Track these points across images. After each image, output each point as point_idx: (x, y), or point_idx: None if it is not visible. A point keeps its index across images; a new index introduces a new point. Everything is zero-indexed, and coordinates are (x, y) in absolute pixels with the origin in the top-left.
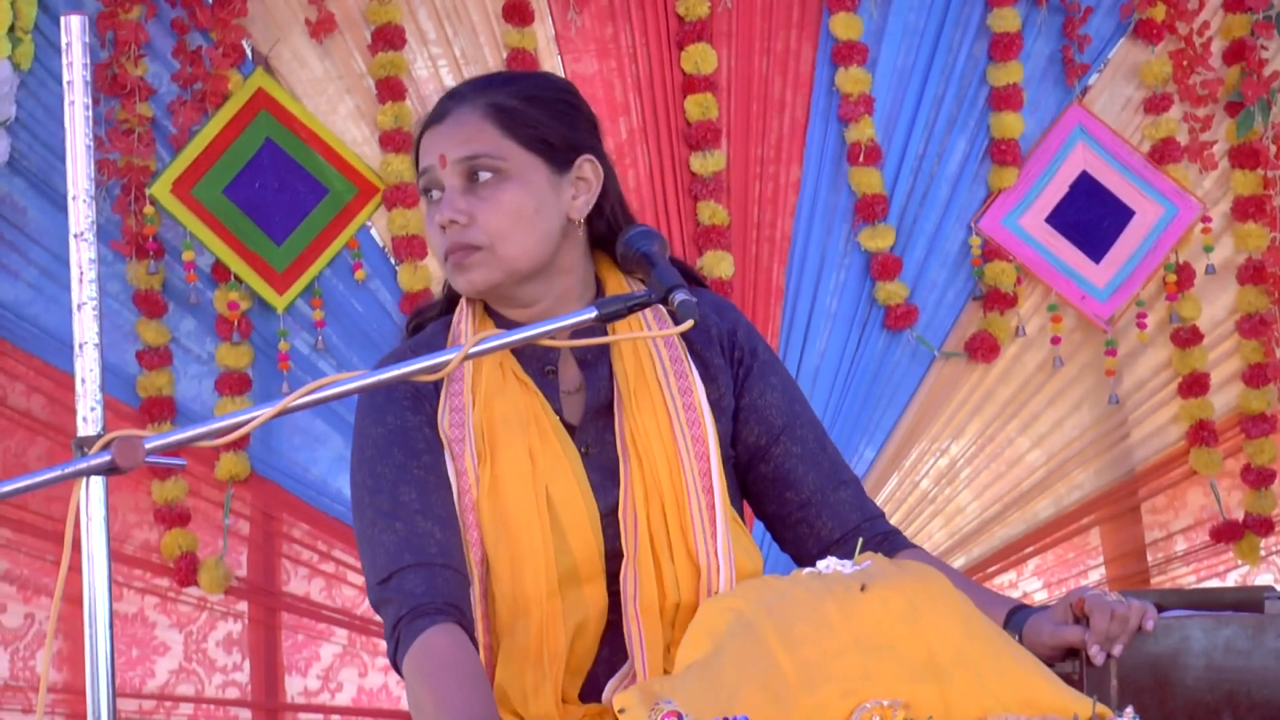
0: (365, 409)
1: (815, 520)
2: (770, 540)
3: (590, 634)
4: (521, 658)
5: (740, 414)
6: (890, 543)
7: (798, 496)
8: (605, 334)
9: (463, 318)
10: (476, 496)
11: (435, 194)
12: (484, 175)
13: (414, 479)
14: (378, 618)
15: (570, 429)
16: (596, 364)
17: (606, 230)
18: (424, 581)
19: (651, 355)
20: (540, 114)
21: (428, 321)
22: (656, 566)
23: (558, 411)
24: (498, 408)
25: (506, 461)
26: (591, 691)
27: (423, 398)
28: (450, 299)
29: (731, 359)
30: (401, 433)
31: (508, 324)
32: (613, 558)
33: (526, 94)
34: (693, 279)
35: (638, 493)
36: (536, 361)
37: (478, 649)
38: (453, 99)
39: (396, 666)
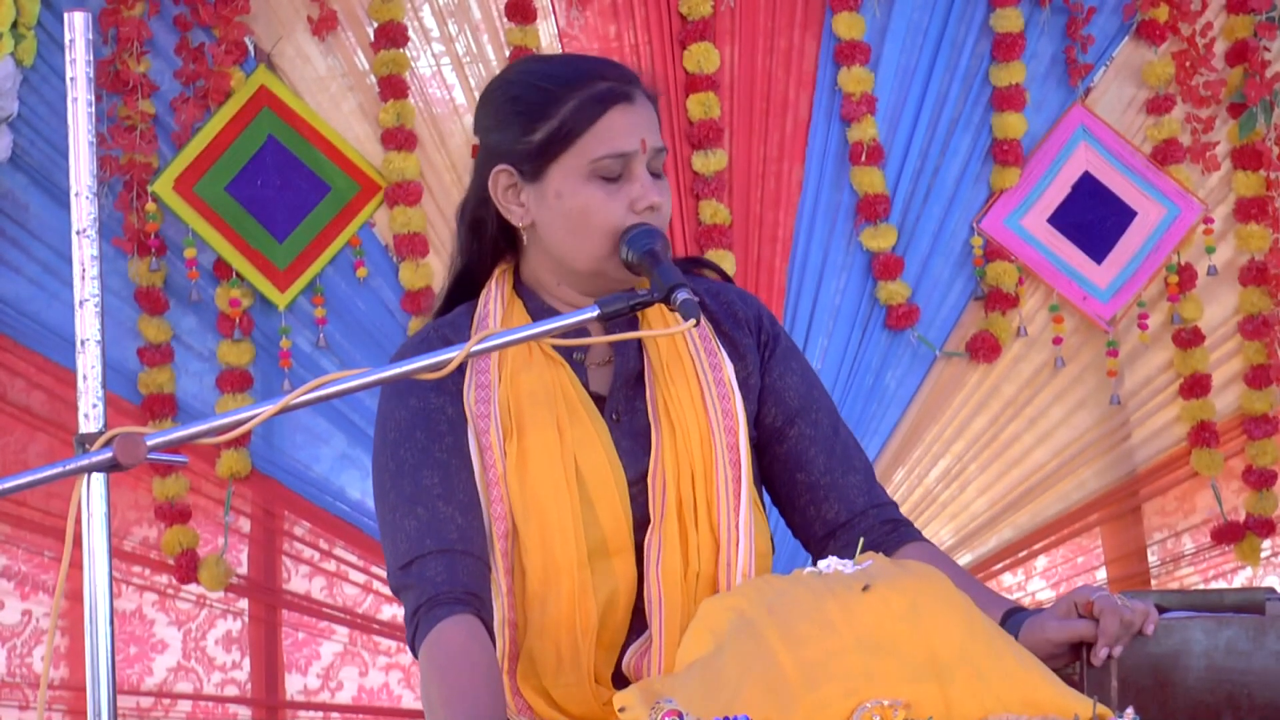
0: (388, 390)
1: (822, 503)
2: (780, 532)
3: (620, 607)
4: (555, 628)
5: (761, 394)
6: (898, 533)
7: (807, 478)
8: (602, 328)
9: (490, 299)
10: (503, 470)
11: (615, 170)
12: (659, 168)
13: (436, 462)
14: (379, 616)
15: (599, 400)
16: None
17: None
18: (444, 569)
19: (683, 332)
20: None
21: (456, 302)
22: (682, 533)
23: (585, 384)
24: (524, 383)
25: (534, 436)
26: (623, 674)
27: (446, 376)
28: (476, 283)
29: (759, 341)
30: (424, 415)
31: (541, 308)
32: (641, 528)
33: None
34: (718, 273)
35: (668, 460)
36: (565, 335)
37: (494, 639)
38: (630, 82)
39: (415, 652)
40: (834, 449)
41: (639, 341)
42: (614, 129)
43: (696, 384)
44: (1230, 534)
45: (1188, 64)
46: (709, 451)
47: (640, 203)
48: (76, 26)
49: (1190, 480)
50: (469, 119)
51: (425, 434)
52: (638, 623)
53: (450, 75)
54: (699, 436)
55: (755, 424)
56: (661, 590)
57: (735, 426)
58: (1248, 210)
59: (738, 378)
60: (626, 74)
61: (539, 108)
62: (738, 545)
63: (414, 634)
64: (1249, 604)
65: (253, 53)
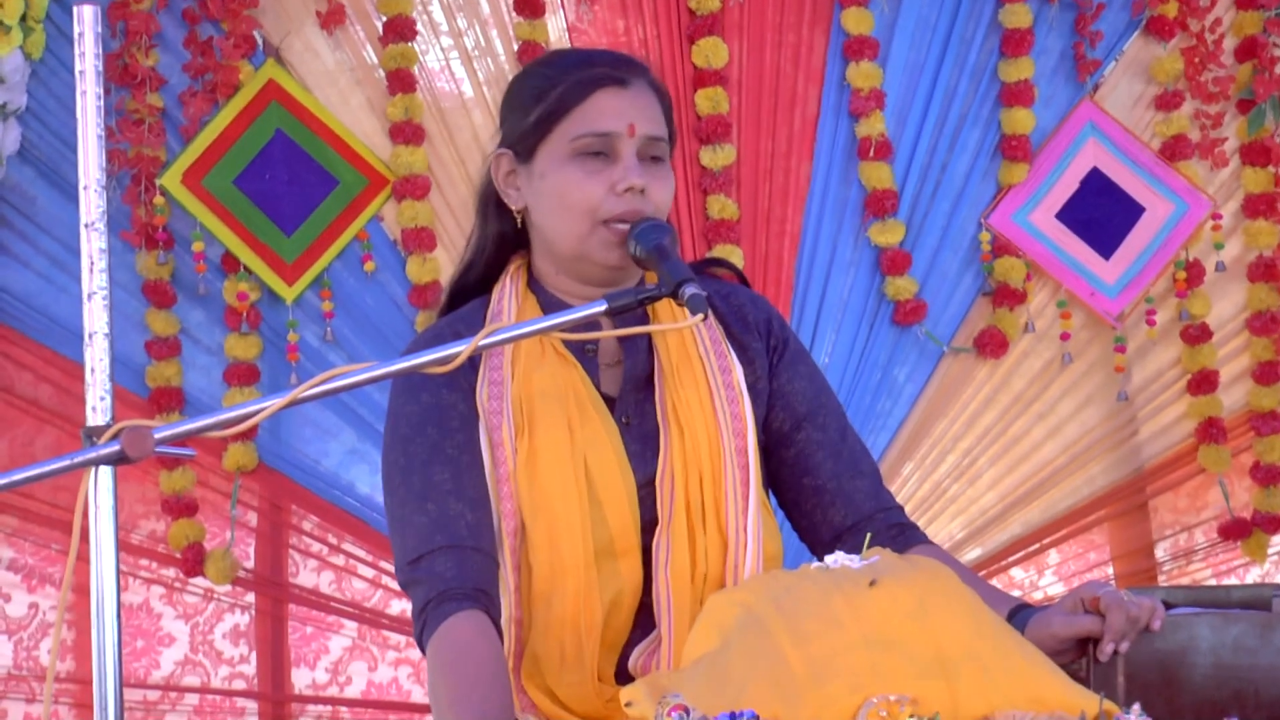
0: (400, 385)
1: (829, 507)
2: (785, 535)
3: (625, 608)
4: (559, 627)
5: (769, 398)
6: (905, 536)
7: (814, 482)
8: (612, 323)
9: (504, 295)
10: (513, 468)
11: (597, 150)
12: (658, 157)
13: (447, 458)
14: (388, 611)
15: (609, 401)
16: (636, 338)
17: None
18: (454, 565)
19: (693, 333)
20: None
21: (465, 297)
22: (690, 535)
23: (596, 384)
24: (536, 381)
25: (545, 435)
26: (626, 672)
27: (459, 371)
28: (487, 277)
29: (768, 345)
30: (436, 410)
31: (553, 302)
32: (648, 530)
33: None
34: (734, 272)
35: (677, 462)
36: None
37: (501, 636)
38: (629, 68)
39: (422, 647)
40: (841, 453)
41: (649, 342)
42: (598, 109)
43: (706, 387)
44: (1237, 530)
45: (1197, 60)
46: (717, 454)
47: (621, 184)
48: (85, 20)
49: (1201, 476)
50: (477, 113)
51: (437, 430)
52: (641, 623)
53: (459, 69)
54: (708, 439)
55: (763, 428)
56: (670, 592)
57: (744, 430)
58: (1256, 206)
59: (746, 381)
60: (628, 63)
61: (537, 91)
62: (746, 548)
63: (422, 629)
64: (1256, 600)
65: (261, 46)
